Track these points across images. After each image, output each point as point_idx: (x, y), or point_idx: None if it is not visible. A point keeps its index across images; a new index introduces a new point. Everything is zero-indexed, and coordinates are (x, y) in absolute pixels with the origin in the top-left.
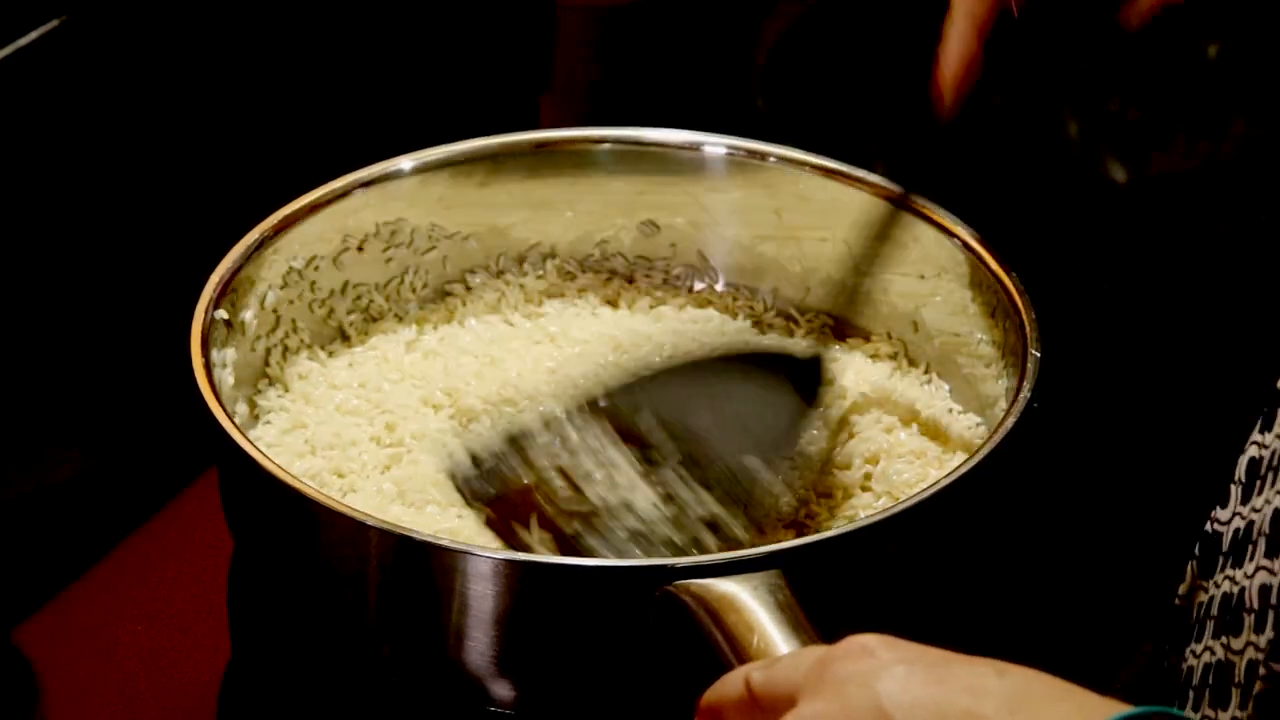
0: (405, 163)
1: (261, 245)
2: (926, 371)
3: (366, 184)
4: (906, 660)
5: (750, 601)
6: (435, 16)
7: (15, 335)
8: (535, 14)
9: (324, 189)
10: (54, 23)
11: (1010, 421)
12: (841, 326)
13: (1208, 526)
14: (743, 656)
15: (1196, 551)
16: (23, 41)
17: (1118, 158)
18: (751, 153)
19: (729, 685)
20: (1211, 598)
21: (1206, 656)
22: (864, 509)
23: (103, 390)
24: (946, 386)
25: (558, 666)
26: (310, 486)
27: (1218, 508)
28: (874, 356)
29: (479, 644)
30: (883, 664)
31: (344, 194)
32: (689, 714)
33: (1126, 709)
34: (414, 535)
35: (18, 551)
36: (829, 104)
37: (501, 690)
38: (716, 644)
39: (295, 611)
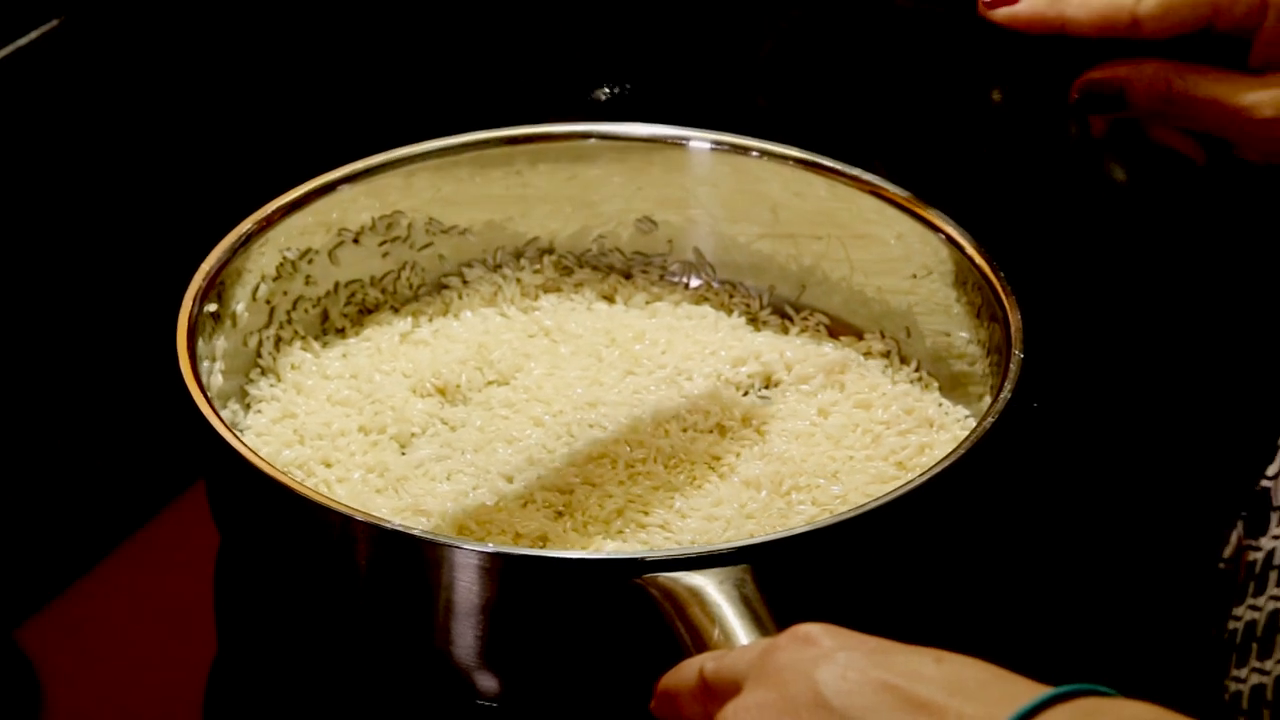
0: (401, 155)
1: (250, 238)
2: (917, 370)
3: (361, 175)
4: (846, 648)
5: (715, 595)
6: (434, 15)
7: (15, 335)
8: (536, 13)
9: (318, 180)
10: (53, 23)
11: (989, 422)
12: (836, 324)
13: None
14: (703, 649)
15: (1243, 514)
16: (22, 41)
17: (1118, 158)
18: (736, 147)
19: (684, 673)
20: (1272, 550)
21: (1272, 605)
22: (839, 501)
23: (104, 390)
24: (937, 385)
25: (540, 658)
26: (294, 480)
27: (1270, 467)
28: (866, 354)
29: (461, 636)
30: (823, 652)
31: (335, 186)
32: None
33: (1054, 689)
34: (397, 529)
35: (19, 551)
36: (830, 101)
37: (486, 683)
38: (679, 636)
39: (281, 605)
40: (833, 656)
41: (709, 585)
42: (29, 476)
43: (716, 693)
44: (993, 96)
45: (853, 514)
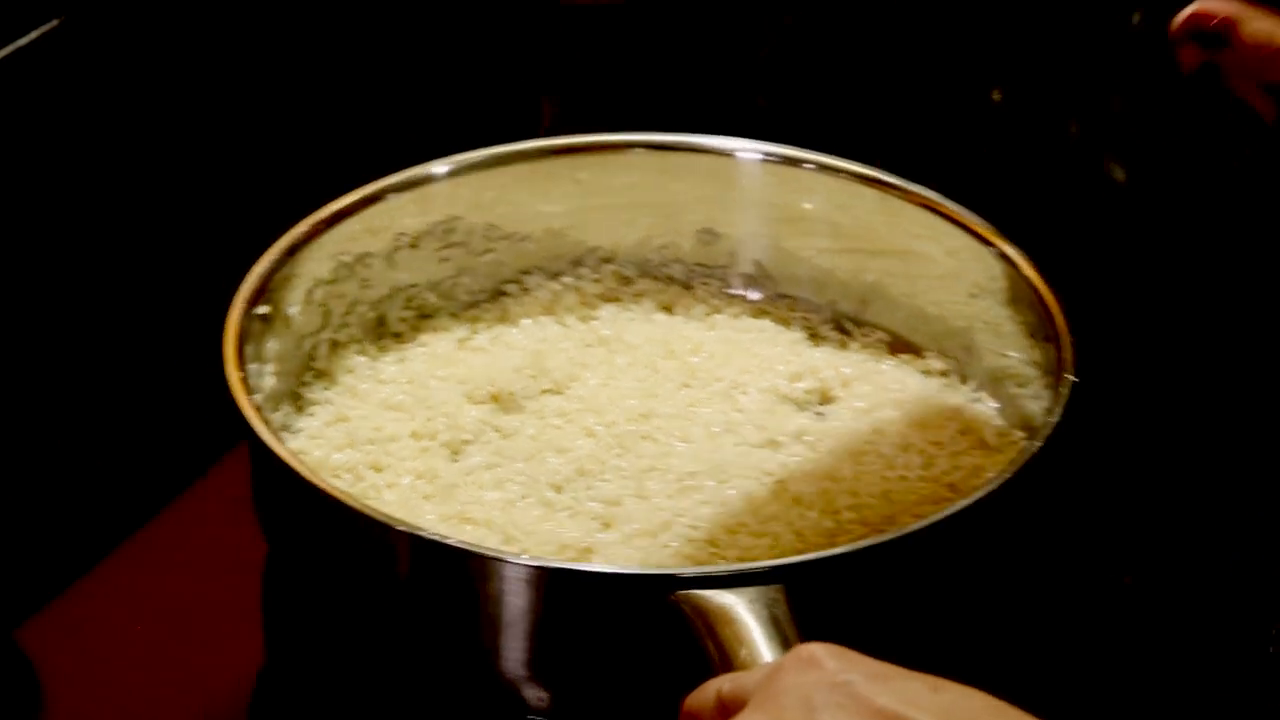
0: (459, 162)
1: (301, 244)
2: (976, 390)
3: (419, 182)
4: (847, 670)
5: (745, 614)
6: (436, 17)
7: (13, 336)
8: (535, 14)
9: (373, 186)
10: (53, 23)
11: (1036, 446)
12: (897, 342)
13: None
14: (729, 667)
15: None
16: (22, 41)
17: (1117, 158)
18: (787, 159)
19: (705, 693)
20: None
21: None
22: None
23: (104, 390)
24: (995, 405)
25: (583, 672)
26: (342, 491)
27: None
28: (925, 373)
29: (506, 648)
30: (824, 675)
31: (390, 193)
32: None
33: None
34: (433, 539)
35: (19, 551)
36: (829, 101)
37: (532, 694)
38: (709, 654)
39: (326, 613)
40: (832, 681)
41: (739, 604)
42: (30, 476)
43: (730, 713)
44: (993, 96)
45: (889, 537)
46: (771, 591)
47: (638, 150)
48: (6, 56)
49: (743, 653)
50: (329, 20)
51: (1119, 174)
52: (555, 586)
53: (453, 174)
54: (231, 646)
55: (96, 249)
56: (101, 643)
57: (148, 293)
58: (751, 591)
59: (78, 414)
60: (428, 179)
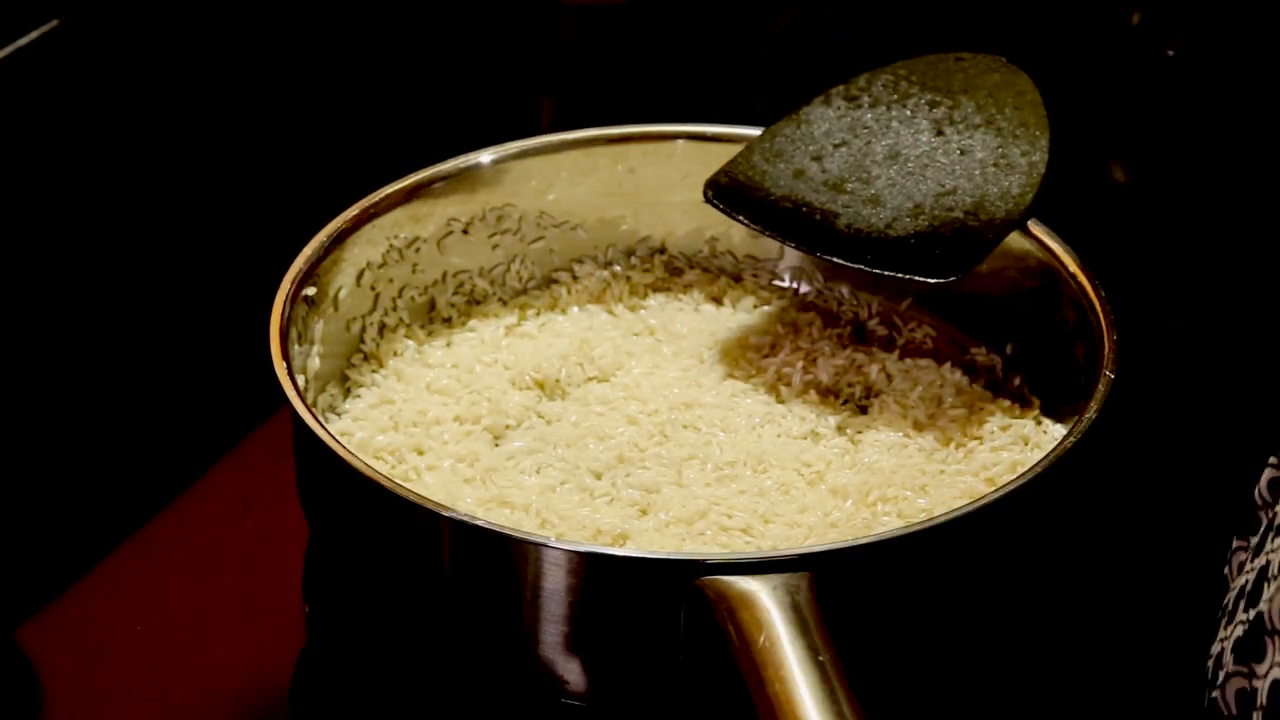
0: (511, 150)
1: (349, 230)
2: (1019, 385)
3: (466, 170)
4: None
5: (766, 601)
6: (436, 17)
7: (12, 336)
8: (536, 14)
9: (423, 174)
10: (53, 23)
11: (1071, 441)
12: (942, 336)
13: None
14: (748, 654)
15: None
16: (22, 41)
17: (1118, 159)
18: None
19: None
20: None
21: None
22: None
23: (105, 390)
24: (1038, 402)
25: (619, 654)
26: (378, 472)
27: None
28: (970, 368)
29: (539, 631)
30: None
31: (436, 181)
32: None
33: None
34: (460, 519)
35: (19, 551)
36: None
37: (570, 677)
38: (730, 639)
39: (365, 595)
40: None
41: (762, 591)
42: (30, 475)
43: None
44: None
45: (917, 527)
46: (795, 579)
47: (680, 141)
48: (6, 56)
49: (761, 639)
50: (329, 20)
51: (1119, 174)
52: (584, 571)
53: (499, 162)
54: (232, 646)
55: (98, 250)
56: (101, 643)
57: (149, 293)
58: (775, 578)
59: (78, 413)
60: (476, 167)
